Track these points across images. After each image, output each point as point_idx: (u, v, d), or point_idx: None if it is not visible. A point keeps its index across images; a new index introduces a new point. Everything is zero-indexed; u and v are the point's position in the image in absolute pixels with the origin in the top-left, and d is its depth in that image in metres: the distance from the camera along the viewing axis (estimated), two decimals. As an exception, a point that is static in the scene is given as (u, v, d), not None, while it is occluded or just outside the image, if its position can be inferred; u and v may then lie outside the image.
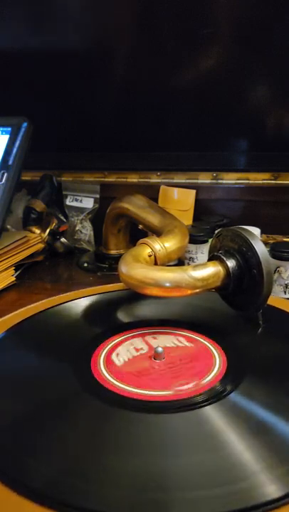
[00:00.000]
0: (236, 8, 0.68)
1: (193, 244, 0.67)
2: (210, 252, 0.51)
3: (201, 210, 0.82)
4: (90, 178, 0.87)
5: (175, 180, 0.83)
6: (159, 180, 0.84)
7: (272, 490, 0.28)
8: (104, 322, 0.51)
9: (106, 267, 0.73)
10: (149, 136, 0.83)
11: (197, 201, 0.81)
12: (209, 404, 0.36)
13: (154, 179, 0.84)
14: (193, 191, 0.81)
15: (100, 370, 0.41)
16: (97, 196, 0.85)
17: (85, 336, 0.48)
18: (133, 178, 0.85)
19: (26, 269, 0.73)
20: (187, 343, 0.45)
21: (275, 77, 0.73)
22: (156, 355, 0.43)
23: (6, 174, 0.69)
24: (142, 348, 0.45)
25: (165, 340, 0.46)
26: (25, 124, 0.71)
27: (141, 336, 0.47)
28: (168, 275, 0.45)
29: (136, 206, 0.68)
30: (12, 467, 0.31)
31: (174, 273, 0.45)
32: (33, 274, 0.72)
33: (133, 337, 0.47)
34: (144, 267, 0.48)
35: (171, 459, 0.31)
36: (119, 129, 0.84)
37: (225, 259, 0.47)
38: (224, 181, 0.80)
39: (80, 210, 0.85)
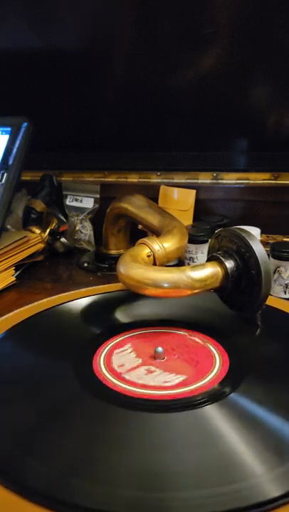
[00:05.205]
0: (236, 8, 0.68)
1: (193, 244, 0.67)
2: (209, 253, 0.51)
3: (201, 210, 0.82)
4: (90, 178, 0.87)
5: (175, 180, 0.83)
6: (159, 180, 0.84)
7: (271, 489, 0.28)
8: (105, 322, 0.51)
9: (106, 267, 0.73)
10: (149, 136, 0.83)
11: (197, 201, 0.81)
12: (209, 404, 0.36)
13: (154, 179, 0.84)
14: (193, 191, 0.81)
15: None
16: (97, 196, 0.85)
17: (85, 335, 0.48)
18: (133, 178, 0.85)
19: (26, 269, 0.73)
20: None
21: (275, 77, 0.72)
22: (156, 355, 0.43)
23: (6, 174, 0.69)
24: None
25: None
26: (25, 124, 0.71)
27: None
28: (166, 276, 0.46)
29: (136, 206, 0.68)
30: (12, 467, 0.31)
31: (172, 274, 0.45)
32: (33, 274, 0.72)
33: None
34: (143, 267, 0.48)
35: (171, 459, 0.31)
36: (119, 129, 0.84)
37: (223, 259, 0.47)
38: (224, 181, 0.80)
39: (80, 210, 0.85)
